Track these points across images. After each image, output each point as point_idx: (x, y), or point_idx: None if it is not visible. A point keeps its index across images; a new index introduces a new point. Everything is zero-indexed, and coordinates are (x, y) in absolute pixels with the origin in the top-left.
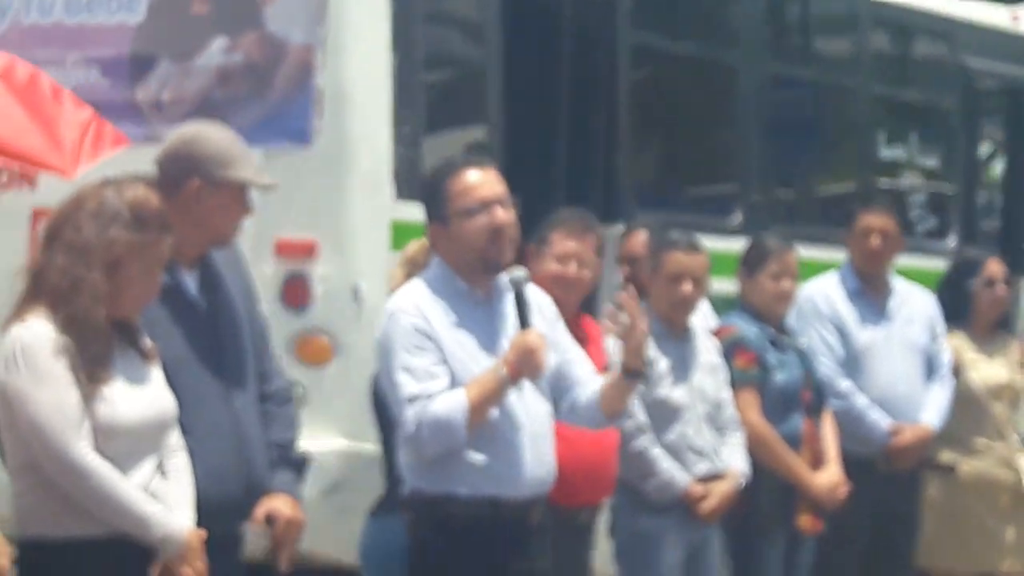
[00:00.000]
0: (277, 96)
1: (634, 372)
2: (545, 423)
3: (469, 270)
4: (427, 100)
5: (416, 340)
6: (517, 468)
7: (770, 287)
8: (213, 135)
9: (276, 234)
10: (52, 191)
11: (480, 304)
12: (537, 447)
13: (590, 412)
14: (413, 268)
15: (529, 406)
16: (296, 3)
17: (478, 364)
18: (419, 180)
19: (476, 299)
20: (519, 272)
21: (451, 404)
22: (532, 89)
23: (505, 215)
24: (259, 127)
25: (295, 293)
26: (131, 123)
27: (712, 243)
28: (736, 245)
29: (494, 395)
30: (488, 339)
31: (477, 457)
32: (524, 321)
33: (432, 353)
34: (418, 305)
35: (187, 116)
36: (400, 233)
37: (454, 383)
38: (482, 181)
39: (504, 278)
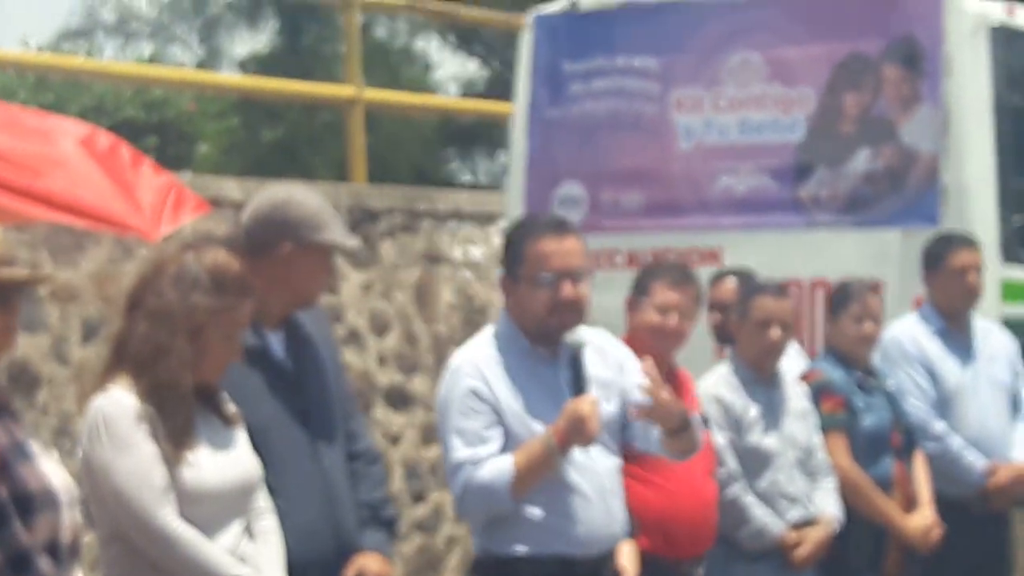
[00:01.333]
0: (911, 191)
1: (676, 430)
2: (612, 478)
3: (529, 332)
4: (1017, 192)
5: (471, 402)
6: (583, 525)
7: (852, 330)
8: (304, 199)
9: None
10: None
11: (543, 361)
12: (606, 503)
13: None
14: None
15: (595, 462)
16: (924, 122)
17: (537, 422)
18: (1018, 249)
19: (539, 356)
20: (578, 336)
21: (496, 471)
22: None
23: (572, 291)
24: (898, 214)
25: None
26: (795, 215)
27: None
28: None
29: (542, 464)
30: (549, 397)
31: (536, 514)
32: (579, 387)
33: (485, 415)
34: (477, 363)
35: (840, 207)
36: (1008, 290)
37: (509, 442)
38: (557, 251)
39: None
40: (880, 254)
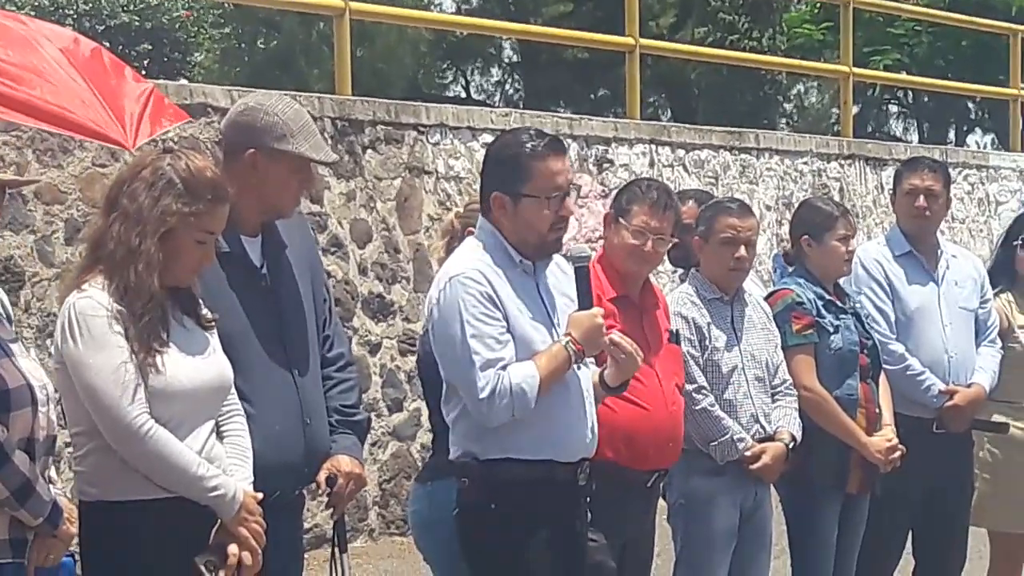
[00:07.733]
0: None
1: (615, 388)
2: (589, 388)
3: (524, 247)
4: None
5: (485, 308)
6: (571, 432)
7: (839, 250)
8: (275, 106)
9: None
10: None
11: (527, 274)
12: (586, 411)
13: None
14: (452, 239)
15: (577, 372)
16: None
17: (535, 333)
18: None
19: (524, 269)
20: (582, 250)
21: (525, 375)
22: None
23: (570, 206)
24: None
25: None
26: None
27: None
28: None
29: (562, 371)
30: (538, 309)
31: (536, 423)
32: (585, 301)
33: (500, 321)
34: (483, 272)
35: None
36: None
37: (518, 347)
38: (562, 168)
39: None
40: None
